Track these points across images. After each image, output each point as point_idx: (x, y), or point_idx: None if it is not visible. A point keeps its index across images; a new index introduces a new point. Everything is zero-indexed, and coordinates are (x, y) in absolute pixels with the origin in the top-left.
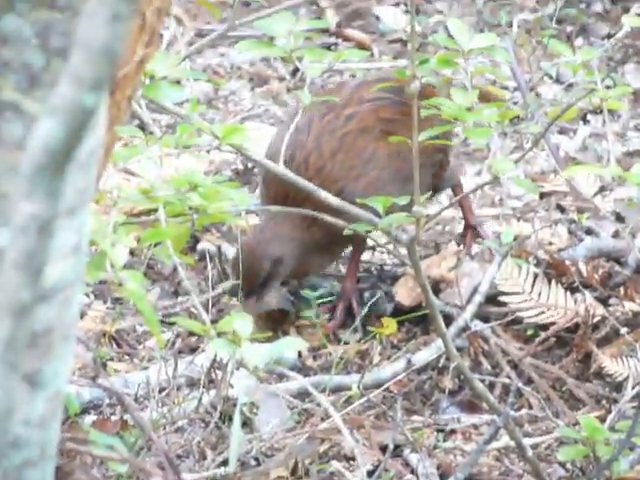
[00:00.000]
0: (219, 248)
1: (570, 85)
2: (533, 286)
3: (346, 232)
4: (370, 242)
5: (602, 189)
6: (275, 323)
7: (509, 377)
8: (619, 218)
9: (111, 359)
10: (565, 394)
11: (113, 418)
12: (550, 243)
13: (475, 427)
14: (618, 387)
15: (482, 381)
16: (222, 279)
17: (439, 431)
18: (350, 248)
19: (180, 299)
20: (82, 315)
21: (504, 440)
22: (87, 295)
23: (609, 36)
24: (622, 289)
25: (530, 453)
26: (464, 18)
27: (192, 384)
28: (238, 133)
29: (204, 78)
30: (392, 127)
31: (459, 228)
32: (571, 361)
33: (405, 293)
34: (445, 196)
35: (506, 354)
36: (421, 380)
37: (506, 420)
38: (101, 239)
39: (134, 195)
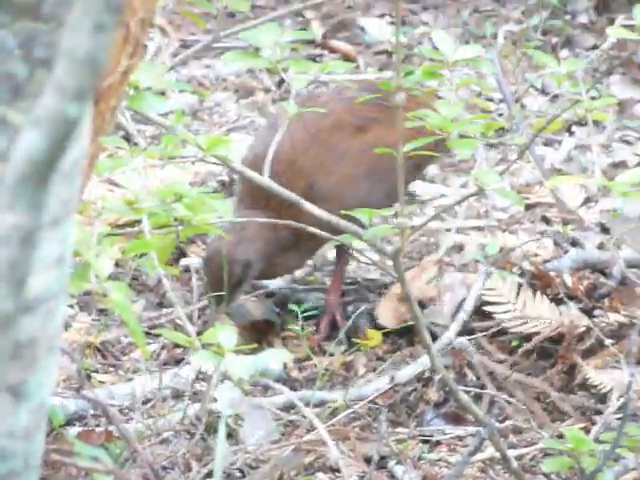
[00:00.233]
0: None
1: (555, 96)
2: (518, 297)
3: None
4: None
5: (587, 200)
6: (260, 334)
7: (494, 389)
8: (604, 229)
9: (96, 371)
10: (549, 406)
11: (98, 429)
12: (535, 254)
13: (460, 439)
14: (603, 398)
15: (467, 393)
16: (207, 291)
17: (424, 442)
18: (322, 251)
19: (165, 311)
20: (67, 327)
21: (489, 451)
22: (72, 306)
23: (594, 47)
24: (607, 300)
25: (515, 464)
26: (449, 29)
27: (177, 396)
28: (223, 144)
29: (189, 89)
30: (366, 125)
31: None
32: (556, 372)
33: (388, 314)
34: (430, 208)
35: (490, 372)
36: (406, 392)
37: (491, 432)
38: (85, 250)
39: (118, 206)
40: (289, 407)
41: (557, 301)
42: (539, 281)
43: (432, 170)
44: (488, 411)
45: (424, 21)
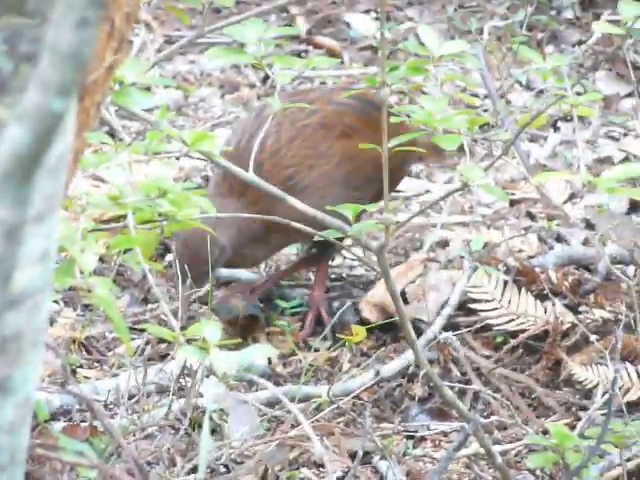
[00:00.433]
0: None
1: (540, 92)
2: (503, 293)
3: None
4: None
5: (572, 196)
6: (245, 330)
7: (479, 384)
8: (589, 225)
9: (81, 366)
10: (535, 401)
11: (83, 424)
12: (520, 250)
13: (445, 434)
14: (588, 394)
15: (451, 388)
16: (192, 286)
17: (409, 438)
18: (293, 245)
19: (150, 306)
20: (52, 322)
21: (474, 447)
22: (57, 302)
23: (580, 43)
24: (592, 296)
25: (499, 460)
26: (435, 25)
27: (162, 391)
28: (207, 140)
29: (174, 85)
30: (352, 133)
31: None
32: (541, 368)
33: (371, 309)
34: (415, 203)
35: (475, 366)
36: (391, 387)
37: (475, 427)
38: (70, 245)
39: (103, 201)
40: (274, 402)
41: (542, 297)
42: (524, 277)
43: (417, 166)
44: (473, 407)
45: (409, 16)
